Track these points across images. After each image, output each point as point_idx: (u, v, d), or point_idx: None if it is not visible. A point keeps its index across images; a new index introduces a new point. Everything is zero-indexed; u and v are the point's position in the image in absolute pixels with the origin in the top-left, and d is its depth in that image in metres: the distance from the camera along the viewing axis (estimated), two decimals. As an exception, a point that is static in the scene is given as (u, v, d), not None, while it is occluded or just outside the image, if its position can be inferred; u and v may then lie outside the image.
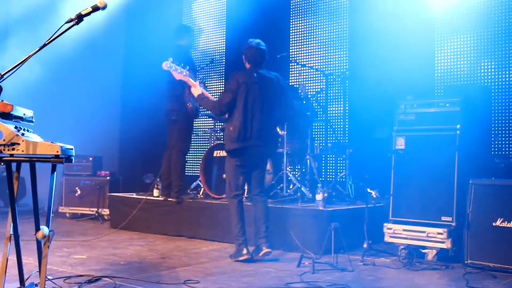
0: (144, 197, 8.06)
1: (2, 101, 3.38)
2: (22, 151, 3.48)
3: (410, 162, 5.95)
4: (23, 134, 3.53)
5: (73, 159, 3.90)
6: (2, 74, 3.17)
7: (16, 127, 3.58)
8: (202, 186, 7.91)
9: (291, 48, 9.60)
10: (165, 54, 8.62)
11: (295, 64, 9.07)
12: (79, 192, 9.47)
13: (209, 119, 9.16)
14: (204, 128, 9.82)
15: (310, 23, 9.43)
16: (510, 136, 7.41)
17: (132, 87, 11.59)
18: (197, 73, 8.06)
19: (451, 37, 7.99)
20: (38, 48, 3.26)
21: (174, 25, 10.87)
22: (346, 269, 5.30)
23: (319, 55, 9.25)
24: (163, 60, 6.52)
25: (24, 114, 3.78)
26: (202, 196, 7.89)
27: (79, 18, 3.35)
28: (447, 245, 5.57)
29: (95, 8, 3.38)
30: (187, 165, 10.47)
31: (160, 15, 10.88)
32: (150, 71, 10.39)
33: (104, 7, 3.38)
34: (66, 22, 3.31)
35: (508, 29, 7.50)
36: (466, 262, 5.42)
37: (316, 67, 8.76)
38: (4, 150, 3.45)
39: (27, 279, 3.87)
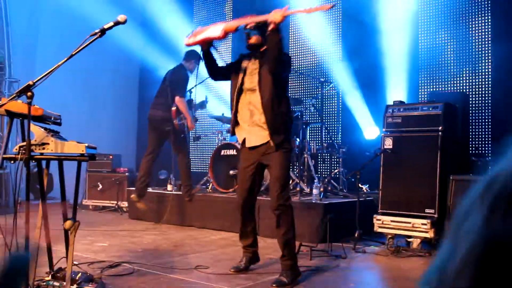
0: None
1: (34, 105, 3.39)
2: (51, 150, 3.51)
3: (397, 160, 5.95)
4: (52, 135, 3.55)
5: (96, 157, 3.93)
6: (34, 81, 3.19)
7: (46, 129, 3.61)
8: (211, 181, 7.92)
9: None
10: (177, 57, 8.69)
11: (294, 72, 9.09)
12: (100, 186, 9.49)
13: (216, 121, 9.16)
14: (212, 129, 9.81)
15: (307, 35, 9.44)
16: (486, 137, 7.42)
17: (148, 91, 11.62)
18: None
19: (434, 48, 8.01)
20: (66, 58, 3.26)
21: (185, 23, 10.94)
22: (340, 256, 5.31)
23: (315, 64, 9.25)
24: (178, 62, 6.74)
25: (53, 117, 3.81)
26: (211, 190, 7.89)
27: (102, 31, 3.36)
28: (430, 234, 5.58)
29: (117, 23, 3.40)
30: (197, 162, 10.52)
31: (173, 14, 10.90)
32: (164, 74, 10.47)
33: (124, 22, 3.39)
34: (91, 35, 3.32)
35: (483, 40, 7.52)
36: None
37: (313, 75, 8.76)
38: (35, 149, 3.48)
39: (55, 264, 3.89)
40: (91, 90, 10.65)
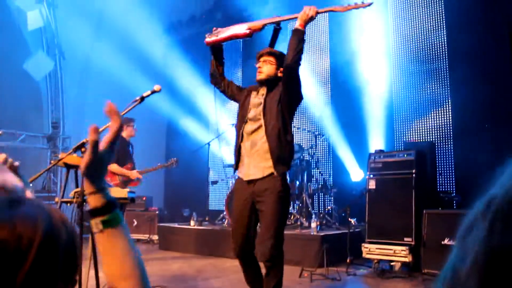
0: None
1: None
2: (100, 194, 3.54)
3: (380, 198, 5.95)
4: (101, 182, 3.59)
5: (135, 200, 3.96)
6: (87, 139, 3.24)
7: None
8: (226, 218, 7.90)
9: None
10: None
11: (293, 127, 9.14)
12: (135, 222, 9.45)
13: (230, 168, 9.16)
14: (227, 175, 9.81)
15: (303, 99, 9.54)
16: (450, 177, 7.43)
17: (173, 142, 11.71)
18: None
19: (406, 106, 8.11)
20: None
21: (203, 86, 10.99)
22: (335, 279, 5.25)
23: (311, 121, 9.32)
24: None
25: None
26: (226, 225, 7.85)
27: (142, 98, 3.41)
28: (408, 259, 5.52)
29: (153, 91, 3.45)
30: (215, 202, 10.46)
31: (193, 79, 11.05)
32: (189, 127, 10.52)
33: (159, 91, 3.45)
34: (133, 101, 3.37)
35: (444, 101, 7.61)
36: (423, 271, 5.35)
37: (309, 129, 8.82)
38: (87, 194, 3.51)
39: (103, 287, 3.87)
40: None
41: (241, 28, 3.64)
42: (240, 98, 3.80)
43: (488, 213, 0.45)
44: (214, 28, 3.81)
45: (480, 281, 0.42)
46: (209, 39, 3.77)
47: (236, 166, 3.70)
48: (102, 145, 1.03)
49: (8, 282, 0.70)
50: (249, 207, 3.50)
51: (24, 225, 0.73)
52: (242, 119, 3.67)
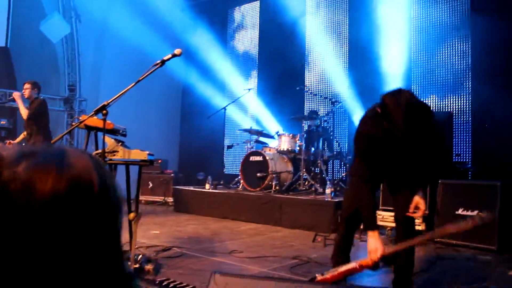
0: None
1: (107, 121, 3.48)
2: (120, 156, 3.60)
3: (395, 166, 5.95)
4: (121, 145, 3.64)
5: (154, 162, 4.02)
6: (108, 102, 3.27)
7: (116, 140, 3.70)
8: (241, 182, 7.97)
9: (305, 82, 9.65)
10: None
11: (310, 94, 9.11)
12: (151, 185, 9.59)
13: (245, 133, 9.19)
14: (242, 139, 9.85)
15: (321, 65, 9.49)
16: (467, 148, 7.39)
17: (188, 109, 11.74)
18: None
19: (424, 75, 8.01)
20: (133, 84, 3.31)
21: (219, 53, 10.99)
22: (348, 244, 5.32)
23: (328, 88, 9.28)
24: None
25: (121, 130, 3.91)
26: (241, 189, 7.94)
27: (162, 62, 3.40)
28: (422, 227, 5.55)
29: (174, 55, 3.43)
30: (230, 166, 10.53)
31: (209, 45, 11.02)
32: (204, 92, 10.54)
33: (180, 55, 3.43)
34: (154, 65, 3.37)
35: (464, 69, 7.50)
36: (436, 240, 5.41)
37: (325, 96, 8.77)
38: (108, 155, 3.57)
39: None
40: (144, 108, 10.75)
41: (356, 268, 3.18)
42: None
43: None
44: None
45: None
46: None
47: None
48: None
49: (69, 235, 0.71)
50: None
51: (81, 175, 0.74)
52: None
